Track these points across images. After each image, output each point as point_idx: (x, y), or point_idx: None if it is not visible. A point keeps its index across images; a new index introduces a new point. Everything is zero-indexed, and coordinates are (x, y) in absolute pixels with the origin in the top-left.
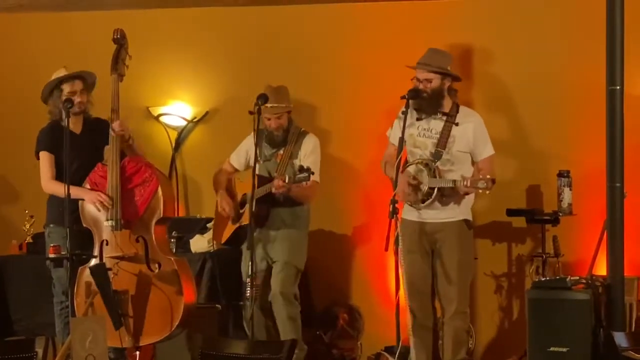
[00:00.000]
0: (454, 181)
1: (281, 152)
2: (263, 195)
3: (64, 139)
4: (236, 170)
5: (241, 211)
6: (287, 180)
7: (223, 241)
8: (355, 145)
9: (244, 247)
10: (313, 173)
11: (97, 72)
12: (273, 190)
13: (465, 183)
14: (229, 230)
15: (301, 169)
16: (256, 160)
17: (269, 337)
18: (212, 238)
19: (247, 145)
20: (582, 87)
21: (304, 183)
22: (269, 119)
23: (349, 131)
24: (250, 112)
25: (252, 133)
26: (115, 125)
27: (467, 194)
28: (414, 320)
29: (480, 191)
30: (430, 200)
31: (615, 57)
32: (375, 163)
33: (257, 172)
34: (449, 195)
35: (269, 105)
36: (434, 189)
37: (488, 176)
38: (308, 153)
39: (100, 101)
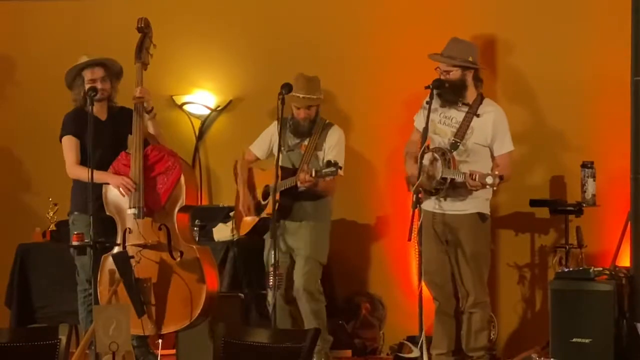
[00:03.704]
0: (464, 174)
1: (305, 142)
2: (287, 188)
3: (89, 125)
4: (257, 159)
5: (264, 202)
6: (313, 175)
7: (243, 233)
8: (376, 134)
9: (267, 236)
10: (341, 167)
11: (121, 61)
12: (298, 184)
13: (473, 177)
14: (250, 223)
15: (329, 163)
16: (279, 150)
17: (295, 326)
18: (233, 228)
19: (271, 133)
20: (607, 78)
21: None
22: (299, 109)
23: (371, 120)
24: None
25: (275, 121)
26: (137, 90)
27: (475, 189)
28: (437, 306)
29: (488, 187)
30: (443, 190)
31: None
32: (397, 152)
33: (280, 162)
34: (461, 187)
35: (300, 95)
36: (446, 179)
37: (497, 172)
38: (333, 145)
39: (124, 90)
